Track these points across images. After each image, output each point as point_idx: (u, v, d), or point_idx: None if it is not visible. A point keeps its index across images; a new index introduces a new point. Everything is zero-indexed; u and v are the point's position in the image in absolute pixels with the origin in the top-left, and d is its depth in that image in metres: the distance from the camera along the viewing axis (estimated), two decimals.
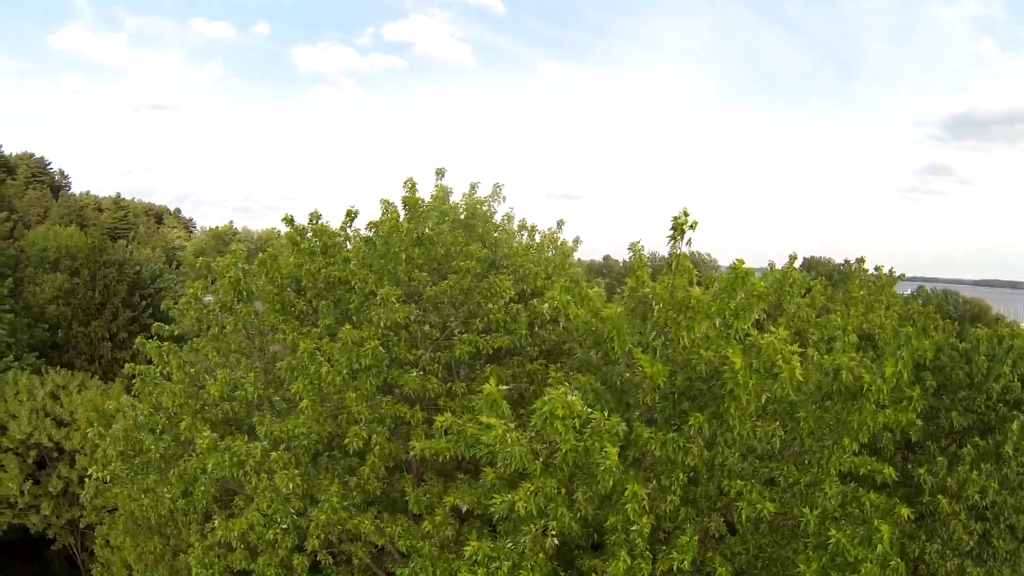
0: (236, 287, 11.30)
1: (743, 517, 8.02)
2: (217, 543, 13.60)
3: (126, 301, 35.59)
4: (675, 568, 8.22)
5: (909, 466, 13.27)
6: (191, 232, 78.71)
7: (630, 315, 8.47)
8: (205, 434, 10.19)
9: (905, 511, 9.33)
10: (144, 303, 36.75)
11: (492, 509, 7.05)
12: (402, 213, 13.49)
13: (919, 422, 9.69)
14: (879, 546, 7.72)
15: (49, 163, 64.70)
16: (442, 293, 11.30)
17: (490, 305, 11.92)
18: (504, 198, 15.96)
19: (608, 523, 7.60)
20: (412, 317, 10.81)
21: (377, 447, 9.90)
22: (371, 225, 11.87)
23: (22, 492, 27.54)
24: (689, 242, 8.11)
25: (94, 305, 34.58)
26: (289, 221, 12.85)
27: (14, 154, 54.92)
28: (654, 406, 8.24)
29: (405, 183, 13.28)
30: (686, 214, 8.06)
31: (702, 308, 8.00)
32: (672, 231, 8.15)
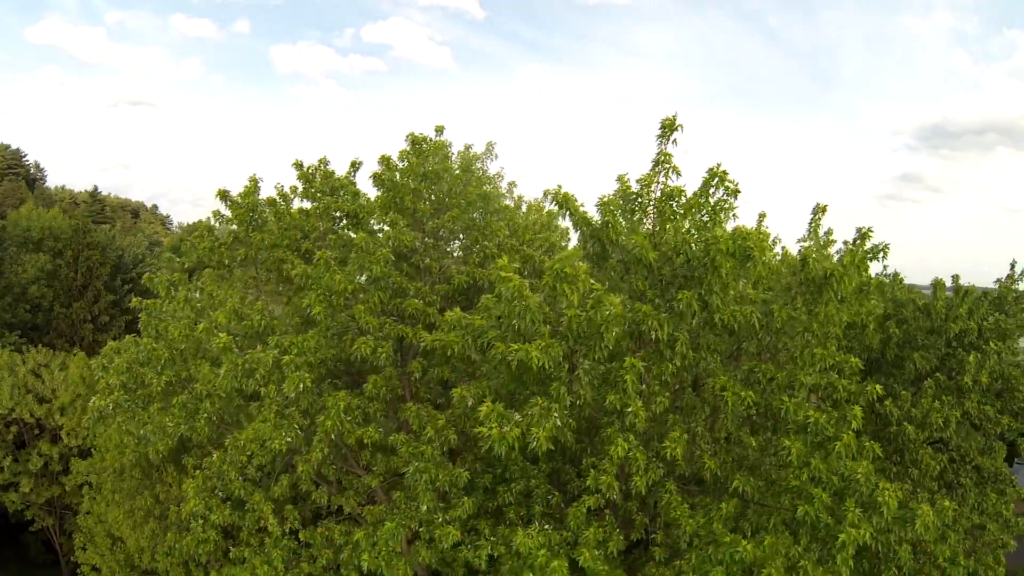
0: (250, 215, 11.82)
1: (729, 405, 8.74)
2: (216, 474, 13.97)
3: (108, 284, 35.57)
4: (668, 456, 8.90)
5: (876, 405, 14.16)
6: (168, 228, 78.38)
7: (622, 211, 9.24)
8: (222, 336, 10.65)
9: (876, 447, 10.08)
10: (126, 287, 36.73)
11: (509, 357, 7.59)
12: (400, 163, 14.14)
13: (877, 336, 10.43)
14: (853, 422, 8.49)
15: (25, 155, 63.81)
16: (444, 224, 11.95)
17: (486, 242, 12.58)
18: (496, 156, 16.71)
19: (608, 401, 8.26)
20: (417, 244, 11.44)
21: (383, 355, 10.42)
22: (382, 159, 12.47)
23: (1, 469, 27.33)
24: (675, 142, 8.94)
25: (76, 287, 34.51)
26: (298, 166, 13.42)
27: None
28: (645, 293, 8.97)
29: (407, 136, 13.93)
30: (674, 118, 8.89)
31: (689, 202, 8.79)
32: (661, 130, 8.95)
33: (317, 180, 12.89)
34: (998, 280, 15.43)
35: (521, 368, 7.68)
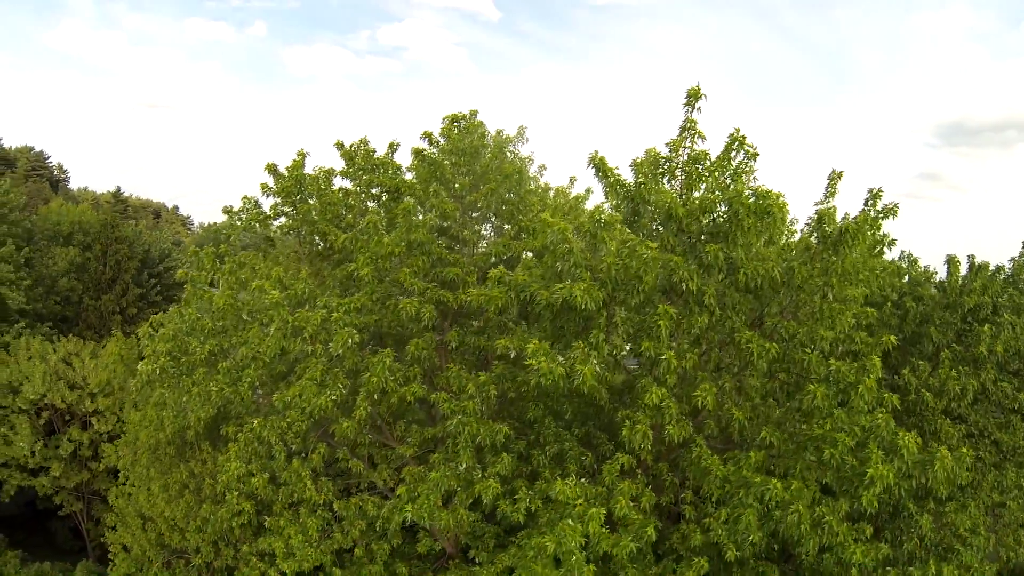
0: (299, 184, 12.44)
1: (754, 356, 9.25)
2: (256, 438, 14.50)
3: (136, 278, 36.37)
4: (700, 404, 9.41)
5: (895, 377, 14.60)
6: (189, 229, 79.60)
7: (652, 174, 9.83)
8: (273, 292, 11.22)
9: (894, 398, 10.57)
10: (153, 281, 37.51)
11: (554, 296, 8.14)
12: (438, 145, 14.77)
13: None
14: (873, 372, 8.97)
15: (48, 157, 65.09)
16: (481, 196, 12.54)
17: (520, 216, 13.16)
18: (527, 139, 17.32)
19: (643, 349, 8.79)
20: (457, 215, 12.04)
21: (427, 316, 10.97)
22: (424, 134, 13.10)
23: (32, 453, 28.03)
24: (699, 110, 9.55)
25: (105, 280, 35.34)
26: (340, 145, 14.07)
27: (14, 147, 55.43)
28: (675, 248, 9.54)
29: (444, 117, 14.54)
30: (698, 88, 9.53)
31: (713, 164, 9.37)
32: (686, 99, 9.57)
33: (359, 158, 13.52)
34: (1012, 259, 15.86)
35: (563, 312, 8.22)
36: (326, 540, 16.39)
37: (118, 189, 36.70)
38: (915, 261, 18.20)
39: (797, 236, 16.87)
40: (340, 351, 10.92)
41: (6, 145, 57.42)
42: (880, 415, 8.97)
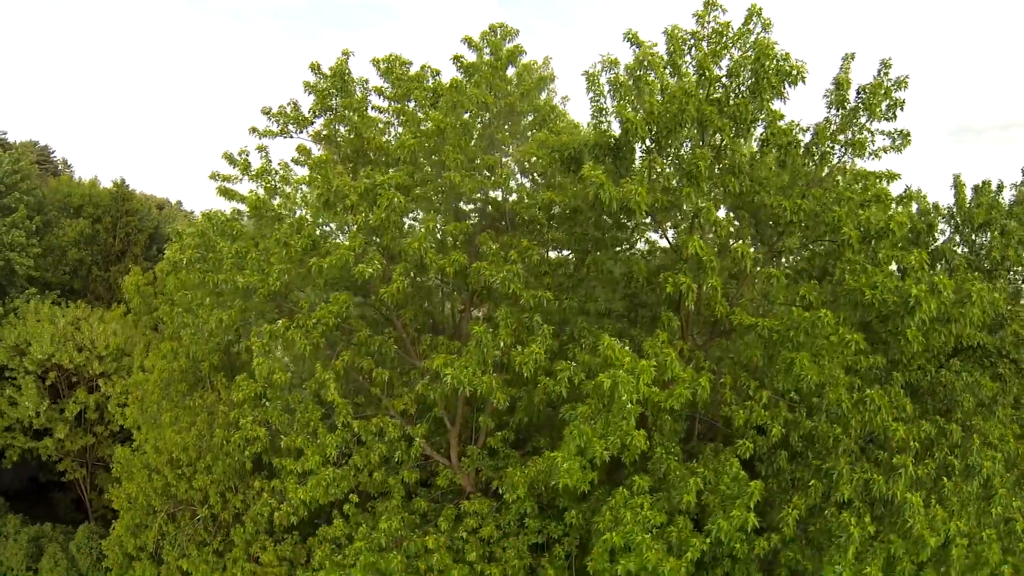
0: (341, 82, 12.50)
1: (788, 214, 9.31)
2: (280, 335, 14.23)
3: (145, 252, 36.25)
4: (739, 256, 9.35)
5: None
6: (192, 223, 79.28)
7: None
8: (321, 155, 11.15)
9: (923, 254, 10.86)
10: (161, 256, 37.34)
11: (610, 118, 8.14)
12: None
13: None
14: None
15: (53, 151, 65.61)
16: (518, 99, 12.58)
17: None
18: (554, 75, 17.34)
19: (684, 194, 8.76)
20: (495, 110, 12.09)
21: (470, 185, 10.90)
22: (464, 39, 13.17)
23: (38, 414, 27.68)
24: None
25: (114, 252, 35.25)
26: (376, 63, 14.17)
27: (19, 142, 55.58)
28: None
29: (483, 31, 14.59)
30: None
31: (736, 33, 9.57)
32: None
33: (396, 69, 13.60)
34: (1013, 184, 16.08)
35: (617, 139, 8.22)
36: (344, 467, 16.05)
37: (122, 180, 36.52)
38: (923, 197, 18.38)
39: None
40: (383, 216, 10.78)
41: (11, 140, 57.34)
42: (913, 256, 9.11)
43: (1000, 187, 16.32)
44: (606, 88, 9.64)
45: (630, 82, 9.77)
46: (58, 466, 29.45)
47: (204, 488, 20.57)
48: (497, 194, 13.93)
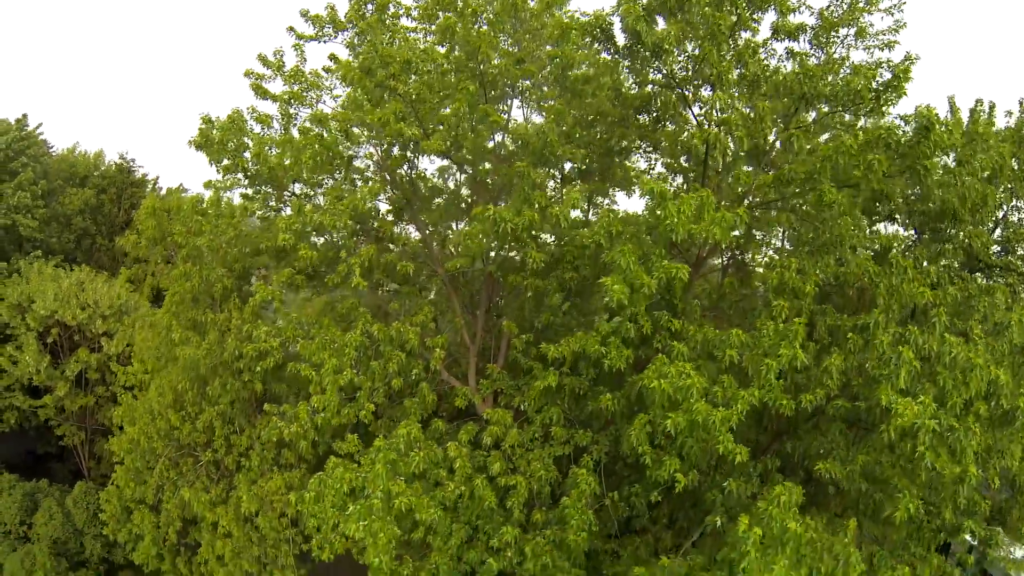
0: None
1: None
2: (308, 221, 13.77)
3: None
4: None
5: None
6: None
7: None
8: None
9: None
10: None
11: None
12: None
13: None
14: None
15: (52, 147, 66.31)
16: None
17: None
18: None
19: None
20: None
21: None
22: None
23: (38, 371, 26.91)
24: None
25: (119, 222, 34.81)
26: None
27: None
28: None
29: None
30: None
31: None
32: None
33: None
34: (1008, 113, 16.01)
35: None
36: (365, 374, 15.39)
37: (123, 158, 36.14)
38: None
39: None
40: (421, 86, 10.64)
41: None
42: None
43: (992, 107, 16.32)
44: None
45: None
46: (57, 431, 28.60)
47: (209, 423, 19.79)
48: (527, 82, 13.73)
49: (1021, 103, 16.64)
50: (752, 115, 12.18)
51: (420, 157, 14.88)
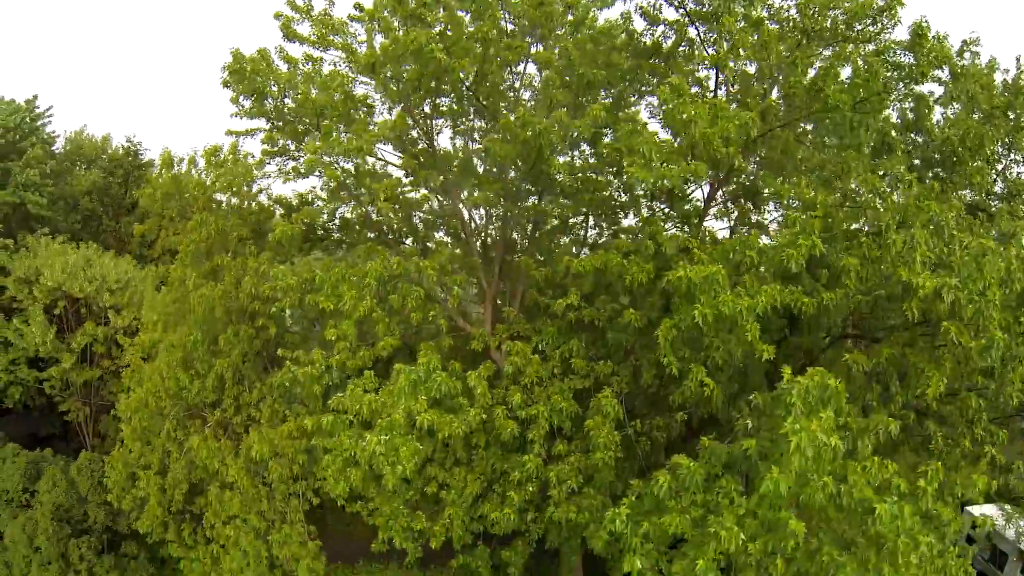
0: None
1: None
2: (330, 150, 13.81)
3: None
4: None
5: None
6: None
7: None
8: None
9: None
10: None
11: None
12: None
13: None
14: None
15: (58, 136, 66.79)
16: None
17: None
18: None
19: None
20: None
21: None
22: None
23: (44, 343, 26.69)
24: None
25: (126, 204, 34.83)
26: None
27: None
28: None
29: None
30: None
31: None
32: None
33: None
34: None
35: None
36: (380, 310, 15.30)
37: (130, 141, 36.13)
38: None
39: None
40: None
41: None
42: None
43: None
44: None
45: None
46: (61, 406, 28.30)
47: (219, 380, 19.58)
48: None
49: (1018, 59, 16.90)
50: (758, 40, 12.44)
51: (438, 112, 15.03)
